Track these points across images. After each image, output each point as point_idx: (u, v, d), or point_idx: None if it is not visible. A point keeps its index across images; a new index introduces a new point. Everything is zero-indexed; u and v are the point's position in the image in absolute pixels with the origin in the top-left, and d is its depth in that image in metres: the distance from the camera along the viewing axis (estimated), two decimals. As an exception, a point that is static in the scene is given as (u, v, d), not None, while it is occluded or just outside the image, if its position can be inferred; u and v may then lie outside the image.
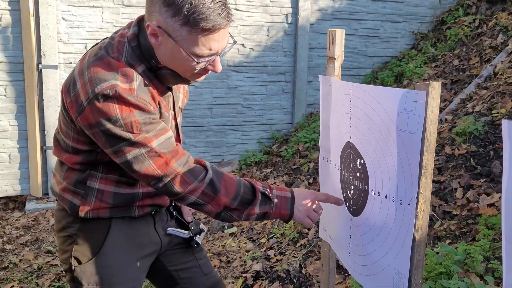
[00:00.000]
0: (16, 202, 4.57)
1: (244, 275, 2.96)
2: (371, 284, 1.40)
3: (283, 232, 3.33)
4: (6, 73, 4.23)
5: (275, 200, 1.38)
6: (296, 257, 2.95)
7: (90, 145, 1.32)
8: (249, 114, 5.04)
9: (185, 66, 1.25)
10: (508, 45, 4.23)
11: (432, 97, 1.13)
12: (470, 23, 4.99)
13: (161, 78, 1.31)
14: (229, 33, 1.27)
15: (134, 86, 1.23)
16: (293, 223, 3.34)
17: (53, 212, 4.28)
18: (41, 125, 4.35)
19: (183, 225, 1.66)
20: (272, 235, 3.41)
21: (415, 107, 1.16)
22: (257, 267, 3.01)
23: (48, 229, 4.06)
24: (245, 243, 3.49)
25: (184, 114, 4.78)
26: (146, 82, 1.27)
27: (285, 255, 3.04)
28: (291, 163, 4.45)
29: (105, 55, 1.25)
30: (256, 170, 4.67)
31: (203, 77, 1.34)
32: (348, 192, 1.49)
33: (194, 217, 1.75)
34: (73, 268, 1.40)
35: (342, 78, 1.54)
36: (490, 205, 2.56)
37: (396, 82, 4.86)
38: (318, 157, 4.43)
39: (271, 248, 3.23)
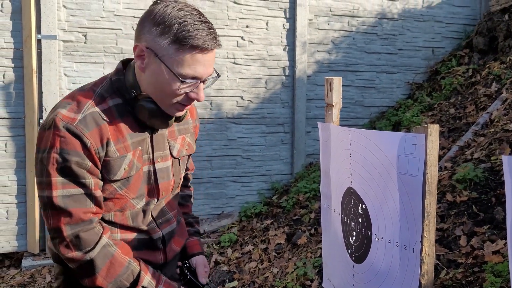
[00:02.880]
0: (12, 259, 4.47)
1: (246, 330, 2.86)
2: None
3: (286, 285, 3.24)
4: (7, 128, 4.27)
5: None
6: (300, 311, 2.86)
7: None
8: (249, 165, 5.04)
9: (167, 90, 1.22)
10: (502, 93, 4.30)
11: (431, 140, 1.14)
12: (463, 72, 5.11)
13: (139, 111, 1.27)
14: (214, 68, 1.27)
15: (78, 117, 1.21)
16: (296, 275, 3.26)
17: (49, 268, 4.18)
18: (40, 179, 4.33)
19: (195, 286, 1.58)
20: (274, 288, 3.32)
21: (415, 150, 1.16)
22: (260, 322, 2.91)
23: (44, 287, 3.95)
24: (247, 297, 3.39)
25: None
26: (104, 117, 1.24)
27: (288, 308, 2.95)
28: (292, 214, 4.41)
29: (84, 86, 1.29)
30: (257, 222, 4.61)
31: (184, 110, 1.31)
32: (350, 238, 1.47)
33: (210, 279, 1.66)
34: None
35: None
36: (495, 252, 2.51)
37: (394, 131, 4.90)
38: (319, 207, 4.40)
39: (273, 301, 3.13)
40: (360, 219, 1.39)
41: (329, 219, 1.66)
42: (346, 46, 5.31)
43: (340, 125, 1.56)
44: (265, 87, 5.04)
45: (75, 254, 1.23)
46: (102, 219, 1.33)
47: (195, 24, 1.17)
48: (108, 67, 4.49)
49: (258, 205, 4.85)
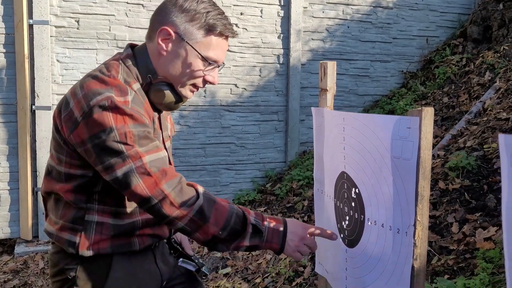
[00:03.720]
0: (5, 245, 4.46)
1: (239, 316, 2.88)
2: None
3: (279, 271, 3.26)
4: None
5: (266, 234, 1.34)
6: (292, 297, 2.88)
7: (83, 169, 1.30)
8: (243, 153, 5.04)
9: (191, 72, 1.32)
10: (496, 82, 4.32)
11: (425, 123, 1.13)
12: (457, 62, 5.11)
13: (153, 94, 1.34)
14: None
15: (129, 99, 1.24)
16: (289, 261, 3.28)
17: (43, 255, 4.18)
18: (33, 166, 4.31)
19: (187, 258, 1.63)
20: (267, 274, 3.33)
21: (409, 133, 1.16)
22: (252, 308, 2.92)
23: (37, 273, 3.95)
24: (240, 283, 3.41)
25: (177, 153, 4.77)
26: (141, 98, 1.30)
27: (281, 294, 2.97)
28: (285, 201, 4.42)
29: (99, 74, 1.27)
30: (250, 209, 4.62)
31: (194, 93, 1.40)
32: (343, 223, 1.47)
33: (192, 251, 1.72)
34: None
35: None
36: (486, 239, 2.53)
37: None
38: (312, 194, 4.41)
39: (266, 287, 3.15)
40: (353, 204, 1.39)
41: (322, 204, 1.66)
42: (341, 35, 5.29)
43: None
44: (259, 75, 5.02)
45: (182, 210, 1.24)
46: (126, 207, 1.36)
47: (219, 13, 1.32)
48: (101, 54, 4.45)
49: (251, 193, 4.86)
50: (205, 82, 1.37)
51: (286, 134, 5.15)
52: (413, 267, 1.17)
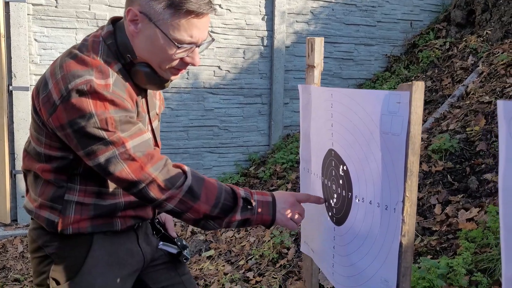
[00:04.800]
0: (-17, 229, 4.37)
1: (222, 298, 2.87)
2: (357, 296, 1.34)
3: (262, 253, 3.25)
4: (-25, 94, 4.10)
5: (257, 206, 1.32)
6: (276, 278, 2.88)
7: (63, 151, 1.25)
8: (226, 136, 5.00)
9: (163, 55, 1.22)
10: (478, 66, 4.34)
11: (416, 98, 1.11)
12: (441, 46, 5.12)
13: (135, 76, 1.26)
14: (208, 32, 1.27)
15: (110, 82, 1.18)
16: (272, 243, 3.27)
17: (21, 238, 4.10)
18: (10, 148, 4.21)
19: (169, 240, 1.59)
20: (251, 256, 3.33)
21: (399, 108, 1.14)
22: (236, 289, 2.92)
23: (16, 257, 3.88)
24: (223, 265, 3.40)
25: (160, 136, 4.70)
26: (123, 80, 1.23)
27: (265, 276, 2.96)
28: (269, 185, 4.40)
29: (79, 53, 1.21)
30: (234, 192, 4.60)
31: (179, 74, 1.31)
32: (331, 201, 1.45)
33: (176, 233, 1.69)
34: None
35: None
36: (469, 220, 2.55)
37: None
38: (296, 177, 4.40)
39: (250, 269, 3.14)
40: (341, 181, 1.37)
41: (308, 183, 1.64)
42: (325, 17, 5.25)
43: None
44: (243, 57, 4.96)
45: (171, 191, 1.20)
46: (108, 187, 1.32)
47: None
48: (81, 33, 4.33)
49: (235, 176, 4.84)
50: (185, 64, 1.27)
51: (270, 117, 5.11)
52: (401, 243, 1.16)
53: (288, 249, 3.12)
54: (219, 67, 4.88)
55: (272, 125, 5.10)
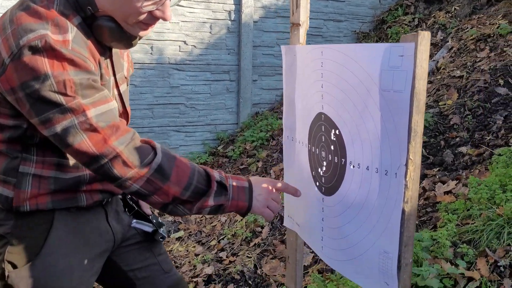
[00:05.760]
0: None
1: (194, 279, 2.74)
2: (350, 270, 1.24)
3: (235, 233, 3.14)
4: None
5: (231, 191, 1.19)
6: (251, 257, 2.77)
7: (15, 119, 1.08)
8: (193, 114, 4.82)
9: (129, 7, 1.05)
10: (448, 41, 4.32)
11: (421, 50, 1.00)
12: (409, 22, 5.09)
13: (97, 32, 1.09)
14: None
15: (69, 37, 1.01)
16: (245, 222, 3.16)
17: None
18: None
19: (143, 218, 1.45)
20: (223, 236, 3.21)
21: (401, 62, 1.02)
22: (209, 270, 2.80)
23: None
24: (194, 247, 3.27)
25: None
26: (84, 36, 1.06)
27: (239, 256, 2.85)
28: (239, 163, 4.28)
29: (31, 4, 1.02)
30: (202, 172, 4.45)
31: (148, 30, 1.14)
32: (320, 169, 1.34)
33: (151, 209, 1.55)
34: (6, 275, 1.14)
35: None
36: (447, 193, 2.51)
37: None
38: (267, 155, 4.29)
39: (222, 249, 3.02)
40: (332, 147, 1.26)
41: (292, 153, 1.52)
42: (294, -9, 5.10)
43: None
44: (210, 32, 4.77)
45: (137, 170, 1.05)
46: (70, 159, 1.17)
47: None
48: None
49: (203, 156, 4.68)
50: (154, 18, 1.12)
51: (238, 95, 4.96)
52: (403, 211, 1.06)
53: (262, 227, 3.02)
54: (184, 42, 4.67)
55: (241, 103, 4.95)
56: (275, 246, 2.80)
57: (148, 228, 1.44)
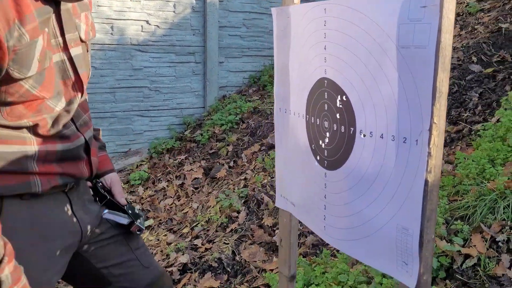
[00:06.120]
0: None
1: (169, 269, 2.59)
2: (360, 250, 1.13)
3: (209, 219, 2.99)
4: None
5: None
6: (228, 244, 2.64)
7: None
8: (157, 98, 4.60)
9: None
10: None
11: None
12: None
13: None
14: None
15: None
16: (219, 208, 3.02)
17: None
18: None
19: (117, 208, 1.29)
20: (196, 223, 3.06)
21: (424, 14, 0.90)
22: (183, 259, 2.65)
23: None
24: (165, 235, 3.10)
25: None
26: None
27: (215, 242, 2.71)
28: (208, 148, 4.12)
29: None
30: (169, 158, 4.26)
31: None
32: (321, 142, 1.21)
33: (127, 199, 1.38)
34: None
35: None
36: (429, 170, 2.45)
37: None
38: (237, 139, 4.14)
39: (197, 237, 2.88)
40: (338, 115, 1.13)
41: (286, 126, 1.39)
42: (260, -30, 4.95)
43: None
44: (174, 11, 4.55)
45: None
46: (12, 128, 0.97)
47: None
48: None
49: (169, 141, 4.49)
50: None
51: (205, 77, 4.78)
52: (426, 182, 0.95)
53: (239, 212, 2.89)
54: (147, 21, 4.43)
55: (207, 86, 4.77)
56: (253, 231, 2.68)
57: (122, 219, 1.27)
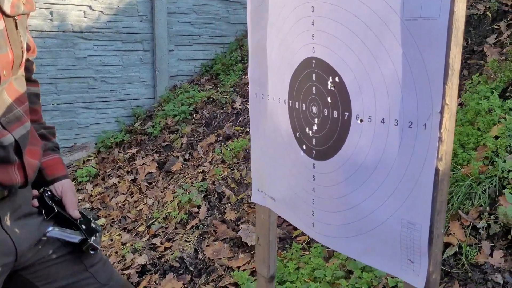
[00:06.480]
0: None
1: (126, 272, 2.40)
2: (357, 248, 1.02)
3: (167, 215, 2.82)
4: None
5: None
6: (189, 241, 2.49)
7: None
8: (104, 88, 4.33)
9: None
10: None
11: (462, -38, 0.78)
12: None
13: None
14: None
15: None
16: (178, 203, 2.85)
17: None
18: None
19: (68, 223, 1.09)
20: (152, 220, 2.87)
21: (434, -20, 0.80)
22: (142, 260, 2.47)
23: None
24: (119, 235, 2.90)
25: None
26: None
27: (175, 241, 2.55)
28: (161, 140, 3.92)
29: None
30: (119, 152, 4.02)
31: None
32: (308, 129, 1.09)
33: (82, 212, 1.18)
34: None
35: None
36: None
37: None
38: (191, 130, 3.96)
39: (155, 235, 2.70)
40: (329, 99, 1.01)
41: (263, 113, 1.26)
42: (209, -46, 4.75)
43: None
44: (119, -4, 4.28)
45: None
46: None
47: None
48: None
49: (118, 134, 4.24)
50: None
51: (154, 66, 4.55)
52: (437, 170, 0.84)
53: (199, 207, 2.73)
54: (90, 7, 4.14)
55: (157, 75, 4.55)
56: (216, 227, 2.53)
57: (72, 237, 1.08)
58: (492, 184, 1.67)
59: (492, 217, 1.57)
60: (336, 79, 0.98)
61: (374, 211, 0.96)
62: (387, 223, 0.94)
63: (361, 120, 0.95)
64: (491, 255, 1.52)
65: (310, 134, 1.08)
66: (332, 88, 1.00)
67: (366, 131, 0.94)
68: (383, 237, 0.95)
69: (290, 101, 1.14)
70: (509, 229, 1.54)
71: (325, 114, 1.03)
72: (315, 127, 1.07)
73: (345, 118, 0.98)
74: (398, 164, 0.90)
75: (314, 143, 1.07)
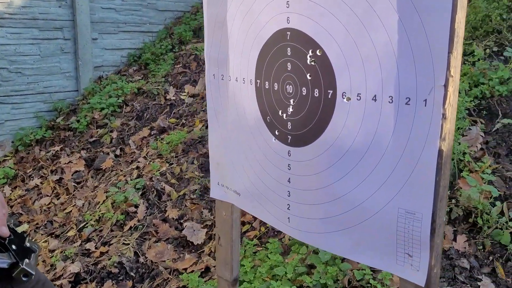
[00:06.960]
0: None
1: (57, 282, 2.15)
2: (345, 243, 0.91)
3: (100, 217, 2.58)
4: None
5: None
6: (128, 244, 2.28)
7: None
8: (19, 81, 3.92)
9: None
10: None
11: None
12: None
13: None
14: None
15: None
16: (112, 203, 2.61)
17: None
18: None
19: None
20: (84, 223, 2.61)
21: None
22: (74, 268, 2.22)
23: None
24: (46, 241, 2.61)
25: None
26: None
27: (112, 244, 2.33)
28: (87, 136, 3.62)
29: None
30: (40, 150, 3.67)
31: None
32: (281, 112, 0.96)
33: (13, 228, 0.97)
34: None
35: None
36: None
37: (195, 37, 4.42)
38: (121, 124, 3.69)
39: (88, 240, 2.45)
40: (309, 75, 0.89)
41: (223, 96, 1.11)
42: None
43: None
44: (33, -21, 3.89)
45: None
46: None
47: None
48: None
49: (38, 130, 3.87)
50: None
51: (76, 56, 4.20)
52: (440, 151, 0.75)
53: (137, 206, 2.52)
54: (0, -10, 3.72)
55: (80, 66, 4.20)
56: (157, 227, 2.34)
57: (1, 261, 0.90)
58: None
59: (453, 200, 1.53)
60: (318, 52, 0.86)
61: (364, 201, 0.85)
62: (380, 214, 0.84)
63: (348, 99, 0.83)
64: (454, 239, 1.49)
65: (284, 117, 0.95)
66: (313, 63, 0.87)
67: (354, 110, 0.83)
68: (375, 230, 0.85)
69: (258, 81, 1.00)
70: (470, 212, 1.51)
71: (304, 94, 0.90)
72: (290, 109, 0.94)
73: (329, 96, 0.86)
74: (393, 146, 0.79)
75: (289, 128, 0.95)
